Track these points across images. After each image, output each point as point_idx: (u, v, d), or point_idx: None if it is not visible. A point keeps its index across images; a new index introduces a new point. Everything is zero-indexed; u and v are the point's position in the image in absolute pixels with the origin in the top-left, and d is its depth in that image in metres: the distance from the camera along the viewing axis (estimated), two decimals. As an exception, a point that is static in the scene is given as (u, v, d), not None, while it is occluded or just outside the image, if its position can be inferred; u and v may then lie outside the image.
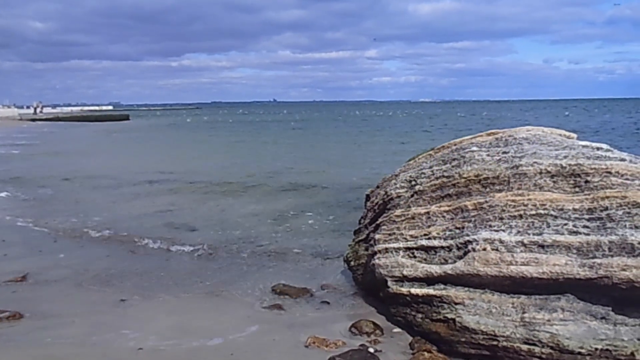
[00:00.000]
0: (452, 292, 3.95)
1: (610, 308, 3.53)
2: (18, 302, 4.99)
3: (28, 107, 74.51)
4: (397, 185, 4.85)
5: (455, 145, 4.80)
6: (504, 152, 4.32)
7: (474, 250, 3.83)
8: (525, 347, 3.58)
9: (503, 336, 3.65)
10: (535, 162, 4.01)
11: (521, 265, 3.65)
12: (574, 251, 3.57)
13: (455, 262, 3.97)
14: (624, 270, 3.36)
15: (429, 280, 4.12)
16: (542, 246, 3.64)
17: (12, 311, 4.67)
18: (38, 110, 71.19)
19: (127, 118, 68.16)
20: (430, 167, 4.67)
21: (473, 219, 4.02)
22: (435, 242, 4.16)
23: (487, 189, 4.13)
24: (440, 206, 4.31)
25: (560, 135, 4.72)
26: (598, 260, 3.45)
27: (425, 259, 4.19)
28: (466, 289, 3.93)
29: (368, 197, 5.66)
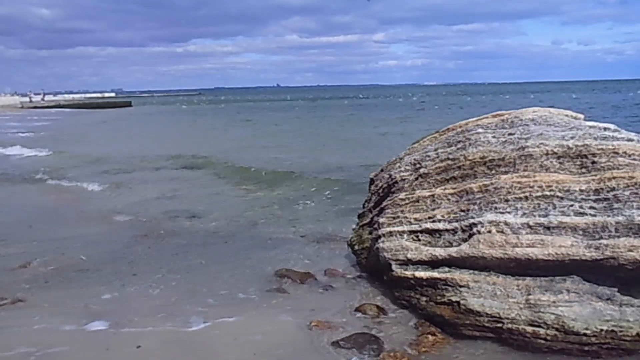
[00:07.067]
0: (457, 274, 3.93)
1: (616, 289, 3.51)
2: (20, 288, 5.00)
3: (24, 95, 75.18)
4: (402, 169, 4.81)
5: (460, 127, 4.74)
6: (510, 134, 4.26)
7: (479, 232, 3.81)
8: (530, 329, 3.57)
9: (508, 318, 3.64)
10: (541, 144, 3.96)
11: (527, 247, 3.62)
12: (580, 232, 3.54)
13: (460, 244, 3.95)
14: (630, 251, 3.33)
15: (433, 263, 4.10)
16: (548, 228, 3.61)
17: (13, 298, 4.69)
18: (39, 98, 72.20)
19: (129, 104, 68.56)
20: (435, 150, 4.62)
21: (478, 202, 3.99)
22: (440, 225, 4.13)
23: (493, 171, 4.08)
24: (445, 189, 4.27)
25: (566, 116, 4.66)
26: (604, 241, 3.42)
27: (429, 242, 4.17)
28: (471, 271, 3.91)
29: (372, 181, 5.62)
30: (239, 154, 16.63)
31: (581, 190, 3.67)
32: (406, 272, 4.21)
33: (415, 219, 4.32)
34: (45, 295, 4.85)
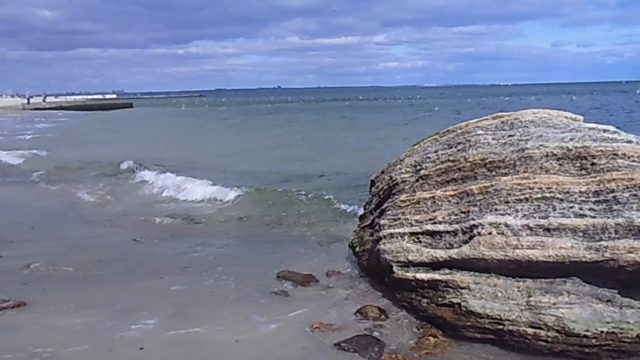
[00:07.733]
0: (458, 276, 3.95)
1: (616, 291, 3.52)
2: (22, 291, 5.00)
3: (22, 96, 75.61)
4: (402, 170, 4.82)
5: (460, 129, 4.75)
6: (510, 136, 4.28)
7: (479, 234, 3.82)
8: (530, 330, 3.58)
9: (509, 320, 3.65)
10: (541, 145, 3.98)
11: (527, 248, 3.64)
12: (580, 234, 3.55)
13: (460, 246, 3.96)
14: (630, 252, 3.35)
15: (434, 265, 4.12)
16: (548, 229, 3.63)
17: (16, 300, 4.70)
18: (41, 99, 72.83)
19: (130, 106, 69.20)
20: (436, 152, 4.64)
21: (479, 203, 4.00)
22: (441, 227, 4.14)
23: (493, 173, 4.10)
24: (446, 190, 4.29)
25: (566, 117, 4.67)
26: (604, 243, 3.43)
27: (430, 244, 4.18)
28: (472, 273, 3.93)
29: (373, 183, 5.64)
30: (239, 155, 16.66)
31: (581, 192, 3.68)
32: (407, 274, 4.22)
33: (416, 221, 4.33)
34: (49, 296, 4.86)
